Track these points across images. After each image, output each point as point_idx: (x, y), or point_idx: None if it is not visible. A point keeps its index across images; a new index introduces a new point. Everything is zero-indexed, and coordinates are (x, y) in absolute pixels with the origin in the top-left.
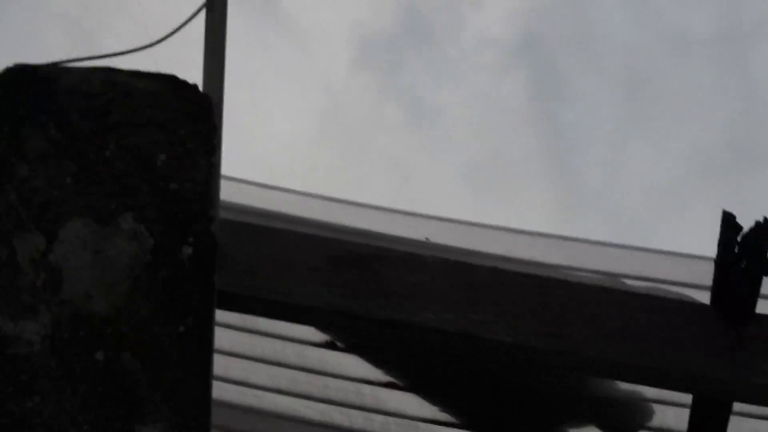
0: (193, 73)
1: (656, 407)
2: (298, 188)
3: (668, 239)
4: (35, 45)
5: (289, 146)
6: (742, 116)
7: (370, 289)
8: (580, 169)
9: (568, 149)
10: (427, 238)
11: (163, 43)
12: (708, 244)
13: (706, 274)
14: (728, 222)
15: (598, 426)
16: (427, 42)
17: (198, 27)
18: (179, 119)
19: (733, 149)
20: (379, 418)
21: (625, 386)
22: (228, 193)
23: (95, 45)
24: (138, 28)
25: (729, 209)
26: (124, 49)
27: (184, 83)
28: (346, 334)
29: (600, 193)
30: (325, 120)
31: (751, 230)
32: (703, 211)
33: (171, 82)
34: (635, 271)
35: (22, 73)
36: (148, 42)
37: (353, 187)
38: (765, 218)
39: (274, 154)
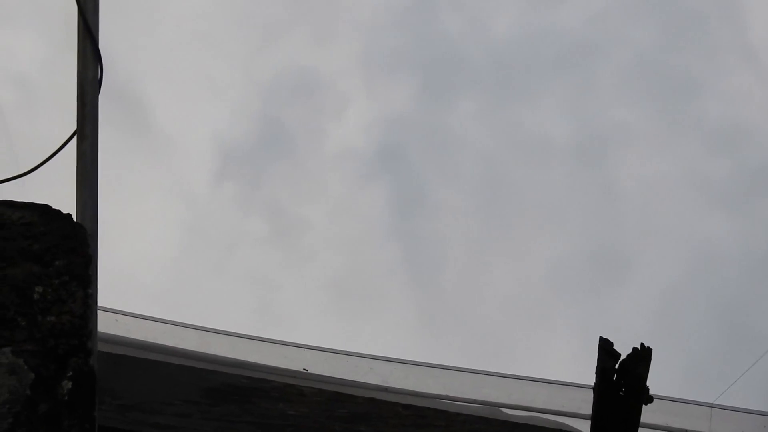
0: (67, 200)
1: None
2: (170, 315)
3: (532, 353)
4: None
5: (154, 263)
6: (602, 224)
7: (249, 423)
8: (443, 282)
9: (429, 261)
10: (305, 369)
11: (38, 169)
12: (571, 360)
13: (584, 403)
14: (605, 349)
15: None
16: (289, 153)
17: (72, 153)
18: (54, 250)
19: (594, 258)
20: None
21: None
22: (105, 324)
23: None
24: (11, 154)
25: (591, 321)
26: None
27: (58, 213)
28: None
29: (462, 307)
30: (190, 234)
31: (629, 357)
32: (565, 323)
33: (45, 212)
34: (514, 400)
35: None
36: (20, 171)
37: (217, 304)
38: (642, 344)
39: (140, 272)
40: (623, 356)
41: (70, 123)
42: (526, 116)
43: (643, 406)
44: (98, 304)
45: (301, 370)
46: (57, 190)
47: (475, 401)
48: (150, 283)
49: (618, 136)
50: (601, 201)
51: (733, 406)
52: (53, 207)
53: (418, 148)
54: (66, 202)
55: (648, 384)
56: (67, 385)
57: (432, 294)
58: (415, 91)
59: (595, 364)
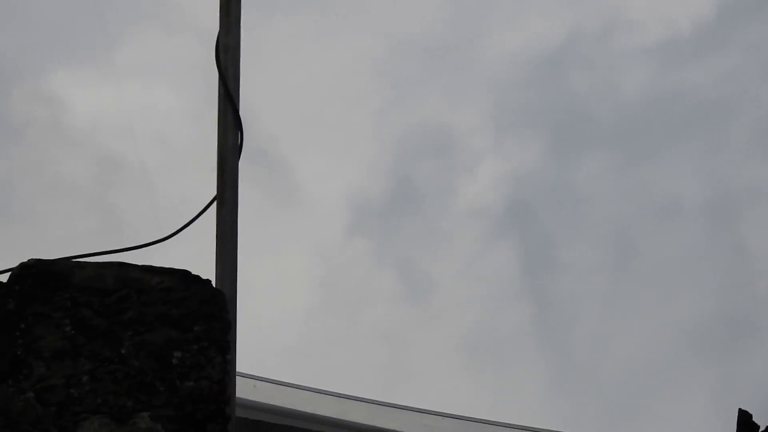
0: (206, 265)
1: None
2: (303, 376)
3: (665, 419)
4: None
5: (289, 322)
6: (734, 286)
7: None
8: (573, 342)
9: (559, 322)
10: None
11: (177, 234)
12: (705, 427)
13: None
14: (744, 421)
15: None
16: (419, 209)
17: (211, 217)
18: (193, 316)
19: (726, 320)
20: None
21: None
22: (244, 390)
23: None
24: (153, 219)
25: (725, 385)
26: (136, 243)
27: (197, 279)
28: None
29: (593, 369)
30: (322, 291)
31: None
32: (697, 386)
33: (184, 277)
34: None
35: (36, 268)
36: (160, 234)
37: (349, 359)
38: None
39: (274, 331)
40: (762, 428)
41: (210, 184)
42: (656, 175)
43: None
44: (236, 369)
45: None
46: (196, 255)
47: None
48: (284, 342)
49: (750, 196)
50: (733, 261)
51: None
52: (192, 272)
53: (546, 206)
54: (205, 267)
55: None
56: None
57: (562, 355)
58: (545, 148)
59: None
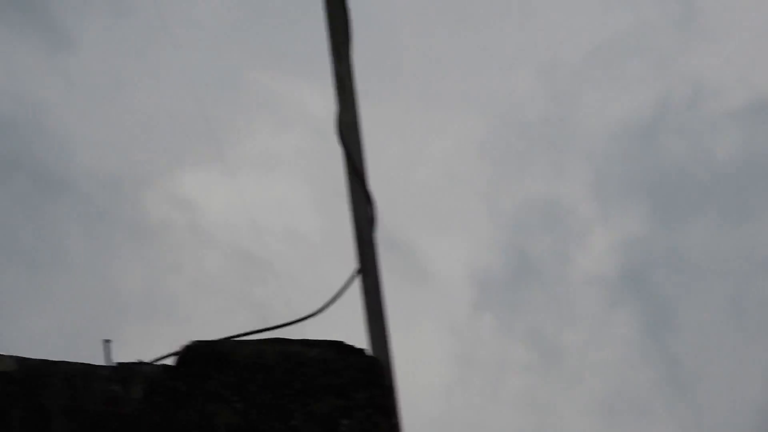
0: (348, 337)
1: None
2: None
3: None
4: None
5: (427, 393)
6: None
7: None
8: (702, 400)
9: (686, 380)
10: None
11: (327, 308)
12: None
13: None
14: None
15: None
16: (538, 281)
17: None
18: (354, 384)
19: None
20: None
21: None
22: None
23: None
24: (298, 294)
25: None
26: (288, 319)
27: (352, 348)
28: None
29: (725, 422)
30: (458, 364)
31: None
32: None
33: (339, 348)
34: None
35: (201, 349)
36: (310, 311)
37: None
38: None
39: (419, 403)
40: None
41: (339, 268)
42: (760, 233)
43: None
44: None
45: None
46: (336, 330)
47: None
48: (428, 415)
49: None
50: None
51: None
52: (345, 342)
53: (657, 269)
54: (349, 340)
55: None
56: None
57: (694, 412)
58: (648, 214)
59: None
